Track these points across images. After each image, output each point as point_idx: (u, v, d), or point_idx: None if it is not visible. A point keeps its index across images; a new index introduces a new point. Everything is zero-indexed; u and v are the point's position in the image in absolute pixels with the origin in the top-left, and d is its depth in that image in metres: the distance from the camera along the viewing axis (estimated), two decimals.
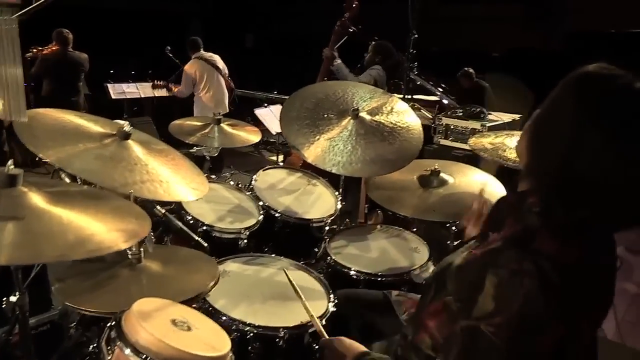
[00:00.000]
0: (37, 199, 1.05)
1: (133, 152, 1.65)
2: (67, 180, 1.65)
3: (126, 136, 1.67)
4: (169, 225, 1.81)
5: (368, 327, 1.69)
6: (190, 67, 6.14)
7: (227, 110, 6.46)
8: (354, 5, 4.51)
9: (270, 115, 5.43)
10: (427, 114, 6.14)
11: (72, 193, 1.18)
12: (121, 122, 1.74)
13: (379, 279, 2.01)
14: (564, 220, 0.99)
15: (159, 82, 6.89)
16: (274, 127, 5.36)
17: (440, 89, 6.38)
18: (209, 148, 2.29)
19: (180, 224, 1.81)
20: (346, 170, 2.17)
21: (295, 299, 1.71)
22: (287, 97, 8.03)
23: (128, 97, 7.28)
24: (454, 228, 2.54)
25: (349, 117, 2.32)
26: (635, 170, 0.93)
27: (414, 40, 3.27)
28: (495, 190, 2.34)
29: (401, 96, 5.51)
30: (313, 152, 2.19)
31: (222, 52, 6.65)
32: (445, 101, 6.09)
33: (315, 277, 1.88)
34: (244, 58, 11.23)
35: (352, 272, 2.03)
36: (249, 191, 2.26)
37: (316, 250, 2.23)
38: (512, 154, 2.36)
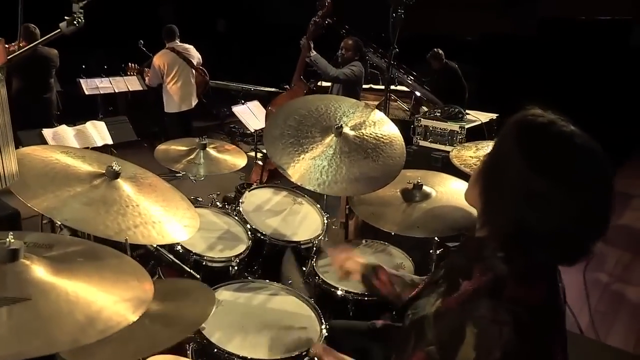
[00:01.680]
0: (40, 272, 1.05)
1: (124, 192, 1.65)
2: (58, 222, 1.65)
3: (115, 175, 1.67)
4: (160, 258, 1.83)
5: (359, 353, 1.75)
6: (158, 59, 6.05)
7: (193, 105, 6.35)
8: (327, 4, 4.52)
9: (247, 113, 5.40)
10: (403, 105, 6.21)
11: (71, 255, 1.19)
12: (109, 157, 1.74)
13: (366, 298, 2.07)
14: (525, 263, 1.07)
15: (133, 66, 6.69)
16: (252, 124, 5.34)
17: (412, 78, 6.44)
18: (195, 173, 2.30)
19: (172, 257, 1.83)
20: (331, 190, 2.20)
21: (289, 328, 1.76)
22: (262, 89, 7.93)
23: (102, 92, 7.15)
24: (436, 238, 2.62)
25: (333, 135, 2.35)
26: (582, 213, 1.01)
27: (394, 54, 3.31)
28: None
29: (379, 87, 5.54)
30: (298, 172, 2.22)
31: (193, 36, 6.53)
32: (417, 93, 6.15)
33: (306, 302, 1.92)
34: (216, 43, 11.09)
35: (339, 292, 2.09)
36: (236, 214, 2.28)
37: (304, 269, 2.28)
38: None
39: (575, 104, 8.44)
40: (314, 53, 4.52)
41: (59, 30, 1.45)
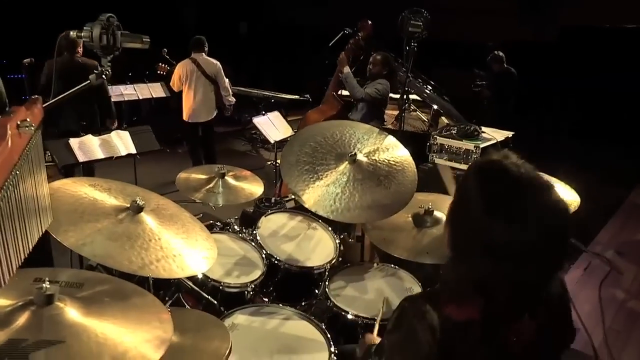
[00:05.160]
0: (72, 314, 1.17)
1: (147, 225, 1.77)
2: None
3: (139, 210, 1.79)
4: (180, 285, 1.94)
5: None
6: (178, 67, 6.11)
7: (209, 118, 6.28)
8: (367, 25, 4.59)
9: (268, 124, 5.53)
10: (422, 115, 6.27)
11: (99, 295, 1.31)
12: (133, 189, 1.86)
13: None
14: (458, 286, 1.19)
15: (164, 66, 6.62)
16: (273, 135, 5.46)
17: (430, 88, 6.46)
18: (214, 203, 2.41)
19: (191, 284, 1.95)
20: (344, 217, 2.29)
21: (300, 353, 1.86)
22: (283, 96, 7.94)
23: (126, 99, 7.33)
24: None
25: (347, 162, 2.44)
26: (529, 245, 1.10)
27: (409, 82, 3.40)
28: None
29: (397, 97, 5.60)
30: (312, 198, 2.32)
31: (215, 39, 6.51)
32: (435, 106, 6.17)
33: (317, 327, 2.02)
34: (237, 47, 11.25)
35: (349, 316, 2.18)
36: (252, 239, 2.39)
37: (317, 291, 2.38)
38: None
39: (597, 113, 8.40)
40: (347, 70, 4.57)
41: (89, 82, 1.57)
